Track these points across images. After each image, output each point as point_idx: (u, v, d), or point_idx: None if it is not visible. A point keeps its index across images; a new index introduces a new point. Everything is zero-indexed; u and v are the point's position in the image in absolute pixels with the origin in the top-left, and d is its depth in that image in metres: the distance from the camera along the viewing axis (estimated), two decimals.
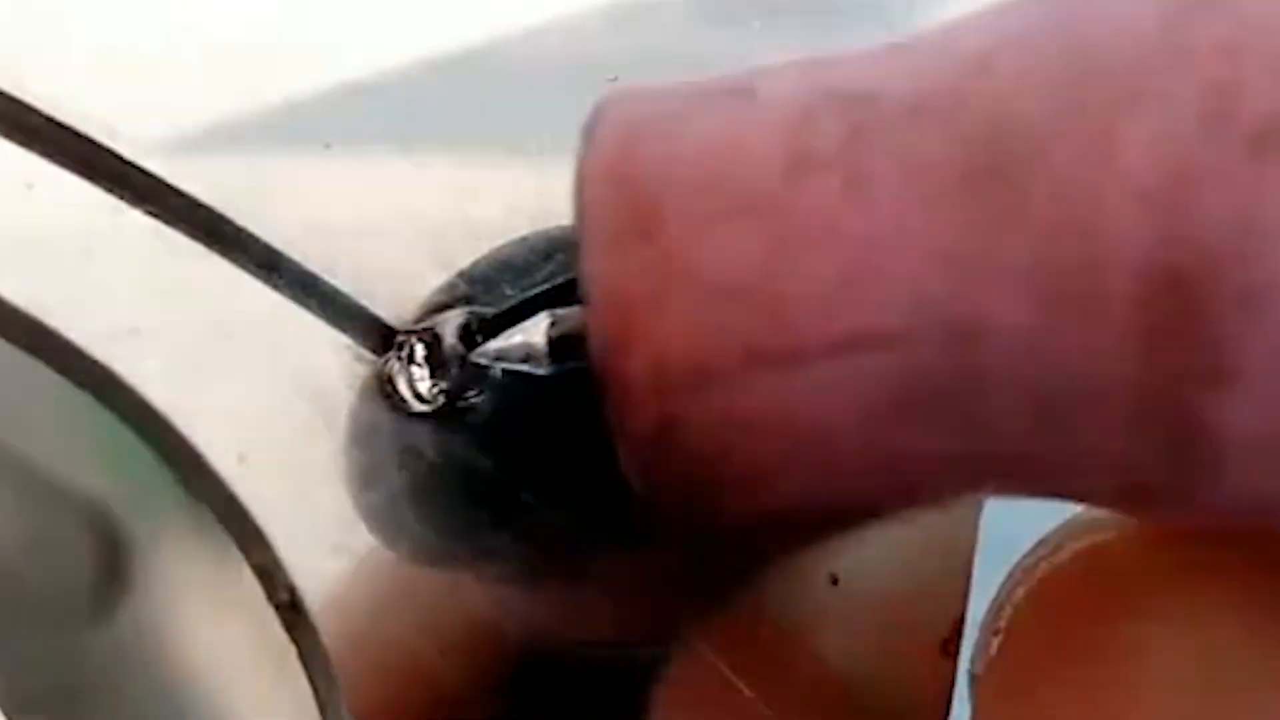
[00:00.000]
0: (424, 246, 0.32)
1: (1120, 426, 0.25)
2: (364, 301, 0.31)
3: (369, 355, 0.31)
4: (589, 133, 0.28)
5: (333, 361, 0.31)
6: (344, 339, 0.31)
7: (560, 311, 0.30)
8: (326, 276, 0.31)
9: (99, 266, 0.29)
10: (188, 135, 0.30)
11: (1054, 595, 0.29)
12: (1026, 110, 0.25)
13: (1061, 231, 0.24)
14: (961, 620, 0.36)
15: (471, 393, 0.32)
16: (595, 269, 0.27)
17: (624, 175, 0.27)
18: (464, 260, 0.32)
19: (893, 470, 0.27)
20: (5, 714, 0.32)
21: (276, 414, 0.31)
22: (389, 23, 0.28)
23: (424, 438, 0.30)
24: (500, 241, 0.33)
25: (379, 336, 0.31)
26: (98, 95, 0.30)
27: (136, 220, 0.30)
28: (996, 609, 0.30)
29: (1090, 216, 0.24)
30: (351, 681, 0.28)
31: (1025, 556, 0.30)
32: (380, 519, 0.31)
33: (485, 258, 0.32)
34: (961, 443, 0.26)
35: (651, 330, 0.26)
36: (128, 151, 0.30)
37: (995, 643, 0.29)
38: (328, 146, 0.32)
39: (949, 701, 0.36)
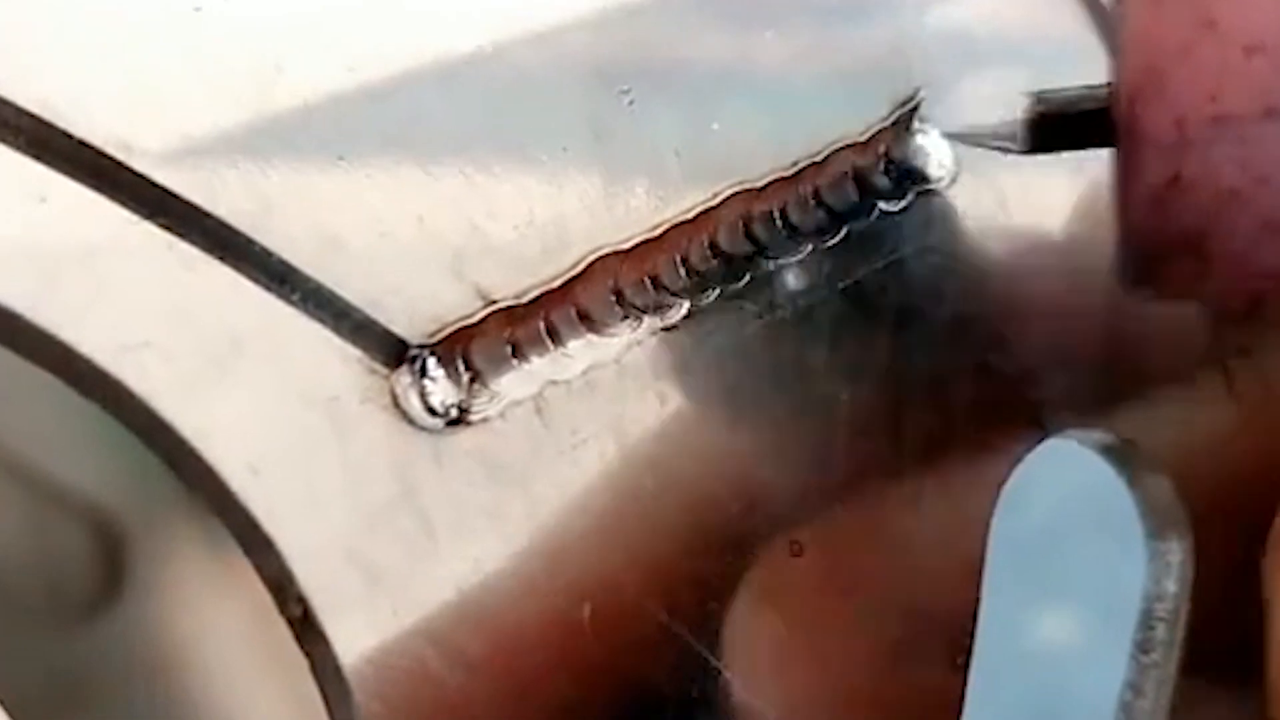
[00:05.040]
0: (437, 259, 0.32)
1: None
2: (376, 315, 0.31)
3: (380, 368, 0.31)
4: None
5: (343, 374, 0.31)
6: (355, 351, 0.31)
7: (1048, 92, 0.32)
8: (338, 289, 0.31)
9: (111, 279, 0.29)
10: (199, 147, 0.30)
11: None
12: None
13: None
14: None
15: (481, 407, 0.32)
16: (1130, 17, 0.28)
17: None
18: (476, 273, 0.32)
19: None
20: (6, 712, 0.32)
21: (287, 426, 0.30)
22: (397, 29, 0.28)
23: None
24: (511, 254, 0.33)
25: (391, 350, 0.31)
26: (108, 108, 0.30)
27: (149, 233, 0.30)
28: None
29: None
30: None
31: None
32: None
33: None
34: None
35: (1177, 79, 0.27)
36: (140, 165, 0.30)
37: None
38: (340, 158, 0.32)
39: None
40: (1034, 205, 0.38)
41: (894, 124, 0.37)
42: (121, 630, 0.36)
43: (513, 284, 0.32)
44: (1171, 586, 0.41)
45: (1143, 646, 0.42)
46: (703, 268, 0.34)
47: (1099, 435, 0.40)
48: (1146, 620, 0.42)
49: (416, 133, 0.32)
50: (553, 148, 0.33)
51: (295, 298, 0.30)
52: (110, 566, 0.38)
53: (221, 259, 0.30)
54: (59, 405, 0.31)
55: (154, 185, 0.30)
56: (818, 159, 0.35)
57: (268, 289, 0.30)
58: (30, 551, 0.38)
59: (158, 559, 0.36)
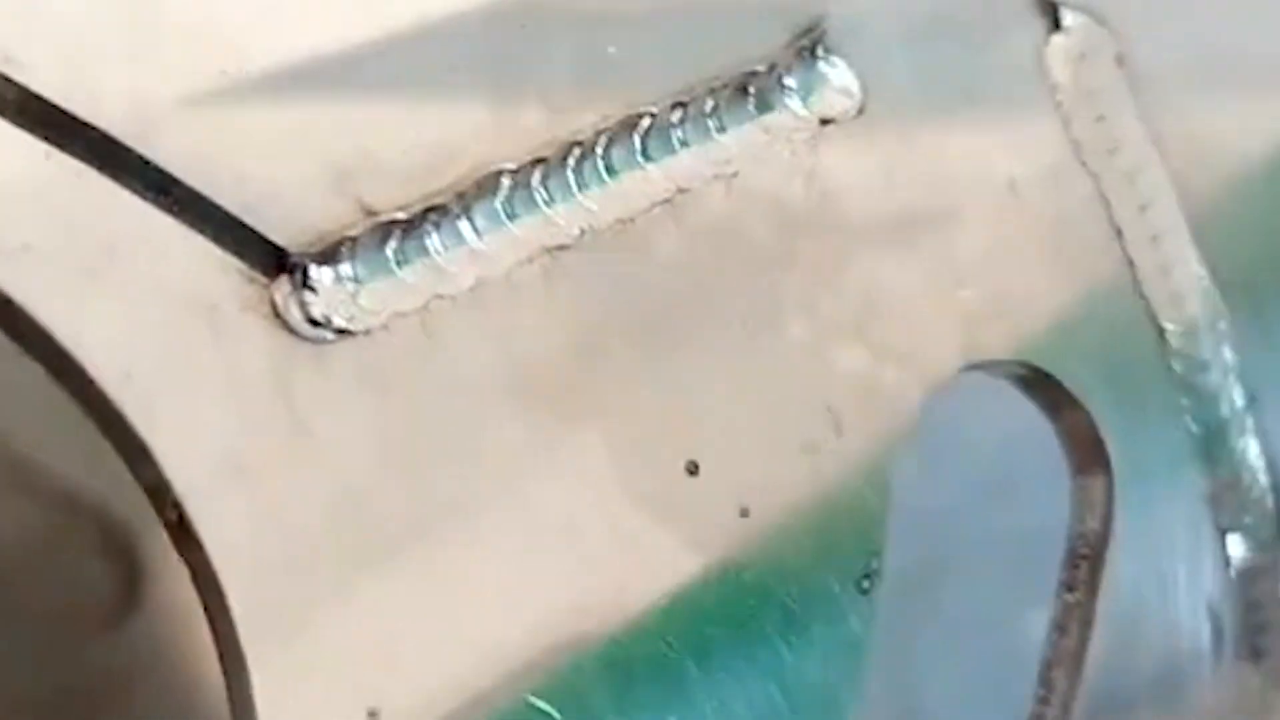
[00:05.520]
0: (321, 174, 0.32)
1: None
2: (256, 225, 0.31)
3: (261, 278, 0.31)
4: None
5: (223, 283, 0.31)
6: (235, 261, 0.31)
7: None
8: (219, 200, 0.31)
9: None
10: (80, 59, 0.30)
11: None
12: None
13: None
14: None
15: (363, 319, 0.32)
16: None
17: None
18: (361, 188, 0.32)
19: None
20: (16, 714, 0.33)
21: (164, 335, 0.31)
22: None
23: None
24: (397, 171, 0.33)
25: (271, 259, 0.31)
26: None
27: (28, 142, 0.30)
28: None
29: None
30: None
31: None
32: None
33: None
34: None
35: None
36: (20, 76, 0.30)
37: None
38: (224, 72, 0.32)
39: None
40: (936, 146, 0.38)
41: (796, 52, 0.37)
42: (134, 638, 0.36)
43: (398, 199, 0.32)
44: (1095, 524, 0.41)
45: (1067, 584, 0.42)
46: (594, 187, 0.34)
47: (1015, 365, 0.40)
48: (1071, 559, 0.42)
49: (305, 51, 0.32)
50: (445, 72, 0.33)
51: (175, 208, 0.31)
52: (126, 578, 0.38)
53: (100, 169, 0.30)
54: (72, 416, 0.31)
55: (35, 96, 0.30)
56: (714, 84, 0.35)
57: (147, 199, 0.30)
58: (46, 558, 0.38)
59: (170, 568, 0.36)
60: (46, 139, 0.30)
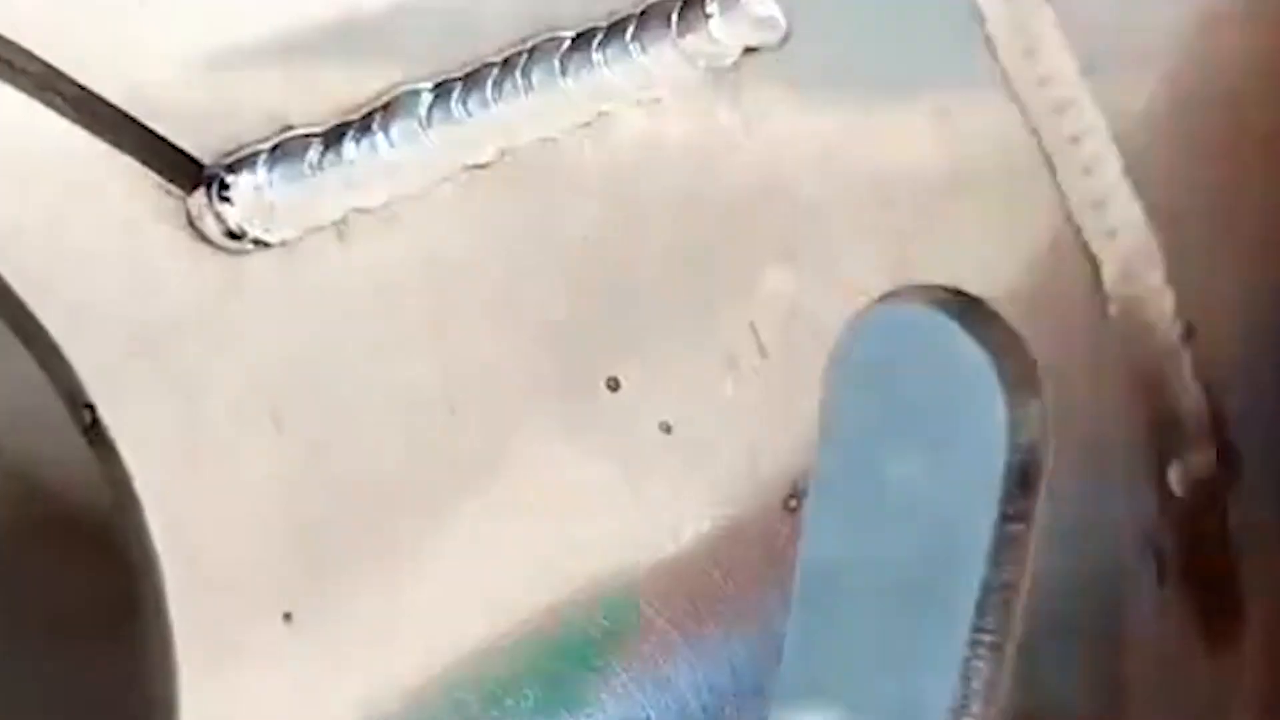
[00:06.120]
0: (235, 85, 0.33)
1: None
2: (172, 137, 0.32)
3: (176, 190, 0.32)
4: None
5: (139, 194, 0.31)
6: (150, 173, 0.32)
7: None
8: (133, 112, 0.32)
9: None
10: None
11: None
12: None
13: None
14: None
15: (278, 230, 0.33)
16: None
17: None
18: (276, 100, 0.33)
19: None
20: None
21: (80, 245, 0.31)
22: None
23: None
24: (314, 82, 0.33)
25: (187, 171, 0.32)
26: None
27: None
28: None
29: None
30: None
31: None
32: None
33: None
34: None
35: None
36: None
37: None
38: None
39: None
40: (863, 73, 0.39)
41: None
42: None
43: (314, 111, 0.33)
44: (1031, 453, 0.41)
45: (1004, 515, 0.42)
46: (512, 102, 0.34)
47: (944, 290, 0.40)
48: (1007, 490, 0.42)
49: None
50: None
51: (89, 120, 0.31)
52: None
53: (13, 82, 0.31)
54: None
55: None
56: (636, 9, 0.36)
57: (61, 112, 0.31)
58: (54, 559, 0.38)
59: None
60: None
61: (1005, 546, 0.41)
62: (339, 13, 0.33)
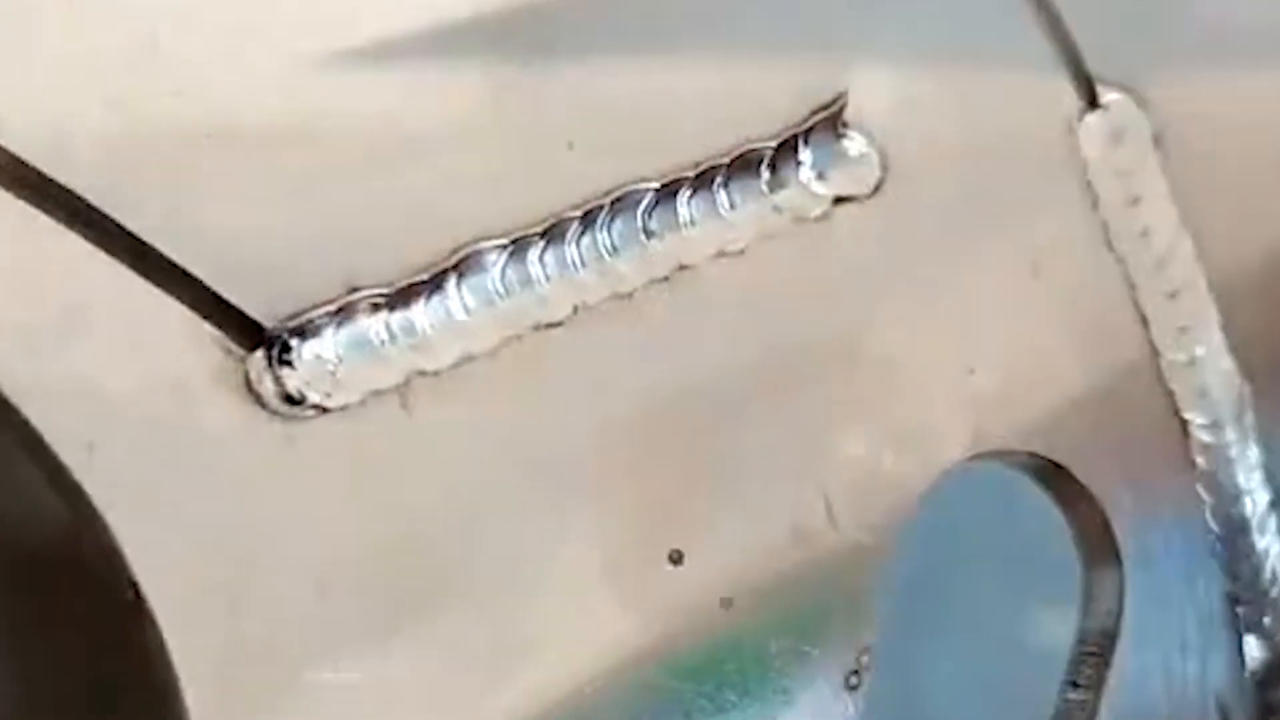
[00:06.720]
0: (301, 243, 0.31)
1: None
2: (232, 295, 0.30)
3: (236, 350, 0.31)
4: None
5: (195, 353, 0.30)
6: (210, 331, 0.30)
7: None
8: (194, 268, 0.30)
9: None
10: (57, 118, 0.29)
11: None
12: None
13: None
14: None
15: (340, 395, 0.31)
16: None
17: None
18: (342, 259, 0.31)
19: None
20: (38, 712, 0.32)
21: (131, 404, 0.30)
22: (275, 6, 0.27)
23: None
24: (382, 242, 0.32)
25: (247, 332, 0.31)
26: None
27: (3, 200, 0.30)
28: None
29: None
30: None
31: None
32: None
33: None
34: None
35: None
36: None
37: None
38: (208, 136, 0.31)
39: None
40: (956, 224, 0.37)
41: (814, 126, 0.35)
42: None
43: (381, 272, 0.31)
44: (1104, 621, 0.40)
45: (1072, 681, 0.41)
46: (593, 264, 0.33)
47: (1025, 455, 0.38)
48: (1078, 655, 0.40)
49: (296, 116, 0.31)
50: (440, 135, 0.32)
51: (149, 273, 0.30)
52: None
53: (73, 229, 0.30)
54: None
55: (12, 156, 0.29)
56: (723, 158, 0.34)
57: (121, 262, 0.30)
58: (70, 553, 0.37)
59: None
60: (22, 198, 0.30)
61: (1071, 713, 0.40)
62: (403, 168, 0.32)
